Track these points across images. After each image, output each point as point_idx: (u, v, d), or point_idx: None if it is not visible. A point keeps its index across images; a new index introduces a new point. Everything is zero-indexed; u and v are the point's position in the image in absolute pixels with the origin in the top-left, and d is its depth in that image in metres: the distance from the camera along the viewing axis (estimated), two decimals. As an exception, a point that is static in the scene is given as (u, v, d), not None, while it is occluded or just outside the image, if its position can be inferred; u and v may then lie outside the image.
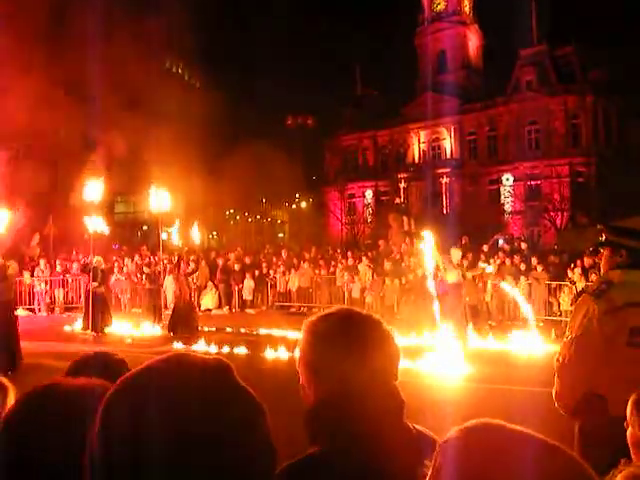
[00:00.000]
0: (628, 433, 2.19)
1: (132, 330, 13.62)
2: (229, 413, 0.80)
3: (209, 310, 17.47)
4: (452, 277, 10.63)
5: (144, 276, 15.00)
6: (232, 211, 47.73)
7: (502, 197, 42.53)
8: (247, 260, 19.37)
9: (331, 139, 48.78)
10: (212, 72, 37.99)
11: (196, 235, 17.52)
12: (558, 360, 2.93)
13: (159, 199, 15.11)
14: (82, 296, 15.57)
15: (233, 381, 0.85)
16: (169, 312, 13.95)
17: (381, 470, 1.21)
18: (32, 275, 18.24)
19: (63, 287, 18.59)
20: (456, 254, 11.10)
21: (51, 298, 18.35)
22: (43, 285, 18.30)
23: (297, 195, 50.42)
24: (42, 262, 18.66)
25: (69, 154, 28.23)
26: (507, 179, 42.37)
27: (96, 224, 14.53)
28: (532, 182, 40.63)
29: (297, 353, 1.38)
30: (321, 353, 1.31)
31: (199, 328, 13.24)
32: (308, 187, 48.14)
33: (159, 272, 15.27)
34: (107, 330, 13.43)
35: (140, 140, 26.58)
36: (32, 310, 17.82)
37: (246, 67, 32.48)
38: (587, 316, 2.87)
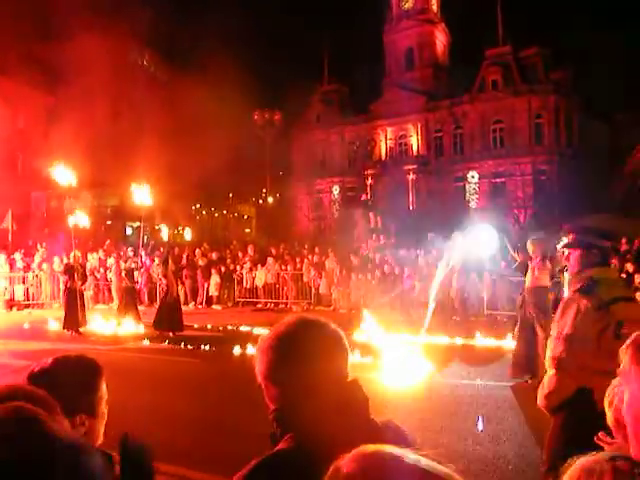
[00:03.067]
0: (608, 415, 2.26)
1: (112, 328, 13.26)
2: None
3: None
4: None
5: (123, 272, 14.62)
6: (198, 206, 47.23)
7: (467, 194, 43.16)
8: (213, 256, 19.22)
9: (298, 134, 48.69)
10: (177, 65, 37.47)
11: (164, 231, 17.41)
12: (551, 358, 3.01)
13: (141, 194, 14.80)
14: (61, 294, 15.28)
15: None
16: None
17: None
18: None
19: (23, 283, 18.15)
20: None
21: (11, 293, 17.91)
22: (2, 282, 17.83)
23: (264, 190, 50.20)
24: (1, 258, 18.16)
25: (29, 145, 27.58)
26: (472, 176, 43.01)
27: (77, 218, 14.27)
28: (496, 180, 41.37)
29: (258, 363, 1.39)
30: (284, 361, 1.35)
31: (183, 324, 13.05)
32: (275, 182, 47.96)
33: (136, 268, 15.03)
34: (83, 329, 13.08)
35: (105, 132, 26.11)
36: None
37: (212, 61, 32.09)
38: (579, 313, 2.95)
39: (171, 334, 12.35)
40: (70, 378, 1.71)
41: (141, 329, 13.20)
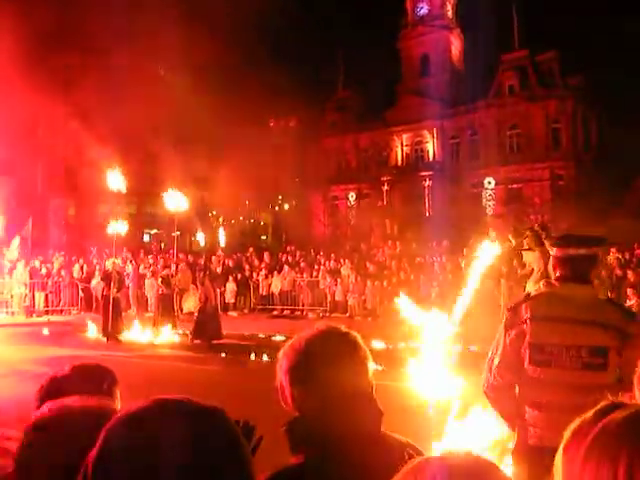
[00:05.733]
0: None
1: (149, 336, 13.18)
2: (219, 461, 0.83)
3: (191, 313, 17.37)
4: None
5: (160, 280, 14.57)
6: (214, 213, 47.49)
7: (483, 200, 42.90)
8: (230, 263, 19.32)
9: (313, 142, 48.79)
10: (193, 74, 37.88)
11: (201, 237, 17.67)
12: (484, 383, 2.72)
13: (175, 200, 14.87)
14: (97, 301, 15.23)
15: (230, 429, 0.88)
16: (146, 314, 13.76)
17: None
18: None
19: (43, 290, 18.39)
20: None
21: (32, 300, 18.15)
22: (23, 288, 18.08)
23: (280, 197, 50.32)
24: (21, 265, 18.42)
25: (50, 152, 28.00)
26: (489, 182, 42.75)
27: (117, 226, 14.32)
28: (513, 185, 41.07)
29: (279, 372, 1.41)
30: (306, 370, 1.36)
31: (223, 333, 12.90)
32: (291, 189, 48.07)
33: (172, 275, 14.95)
34: (121, 337, 13.04)
35: (123, 139, 26.42)
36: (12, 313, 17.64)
37: (227, 70, 32.38)
38: (501, 331, 2.67)
39: (211, 342, 12.21)
40: (86, 385, 1.75)
41: (177, 337, 13.19)
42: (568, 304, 2.56)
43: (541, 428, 2.40)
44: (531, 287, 6.19)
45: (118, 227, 14.45)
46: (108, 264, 13.82)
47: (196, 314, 13.18)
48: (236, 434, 0.88)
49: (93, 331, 13.71)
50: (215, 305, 13.44)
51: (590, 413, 0.77)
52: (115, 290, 13.19)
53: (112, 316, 12.84)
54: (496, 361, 2.63)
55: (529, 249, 6.61)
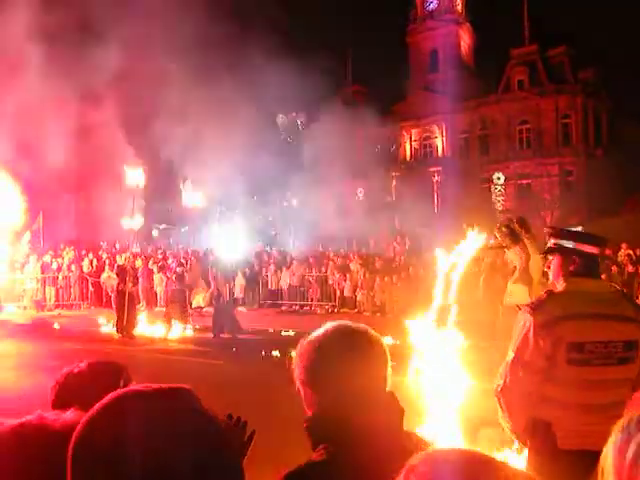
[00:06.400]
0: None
1: (162, 331, 13.13)
2: (197, 443, 0.83)
3: (200, 308, 17.44)
4: None
5: (174, 276, 14.51)
6: (224, 209, 47.57)
7: (493, 196, 42.72)
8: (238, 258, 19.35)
9: (321, 136, 48.65)
10: (202, 66, 37.87)
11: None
12: (498, 384, 2.60)
13: (191, 195, 14.80)
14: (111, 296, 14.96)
15: (199, 409, 0.88)
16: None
17: (381, 478, 1.24)
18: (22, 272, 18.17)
19: (54, 284, 18.50)
20: None
21: (43, 294, 18.28)
22: (34, 283, 18.20)
23: (288, 193, 50.31)
24: (33, 259, 18.54)
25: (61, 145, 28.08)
26: (498, 178, 42.55)
27: (133, 223, 14.28)
28: (523, 181, 40.87)
29: (296, 367, 1.41)
30: (323, 367, 1.35)
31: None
32: (299, 184, 48.02)
33: (187, 271, 14.90)
34: (135, 332, 12.95)
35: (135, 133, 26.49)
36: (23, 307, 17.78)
37: (235, 64, 32.35)
38: (523, 331, 2.55)
39: (236, 336, 12.27)
40: (99, 382, 1.77)
41: (190, 332, 13.20)
42: (595, 300, 2.54)
43: (576, 431, 2.33)
44: (511, 286, 6.10)
45: (133, 222, 14.42)
46: (120, 259, 13.74)
47: (209, 310, 13.18)
48: (202, 413, 0.87)
49: (104, 325, 13.79)
50: (229, 300, 13.45)
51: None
52: (131, 285, 13.10)
53: (127, 311, 12.75)
54: (519, 363, 2.53)
55: (504, 246, 6.31)
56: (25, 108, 18.12)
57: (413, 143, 47.14)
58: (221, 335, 12.49)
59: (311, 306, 17.89)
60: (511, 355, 2.57)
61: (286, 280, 18.38)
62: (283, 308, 18.14)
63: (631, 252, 15.60)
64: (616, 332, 2.49)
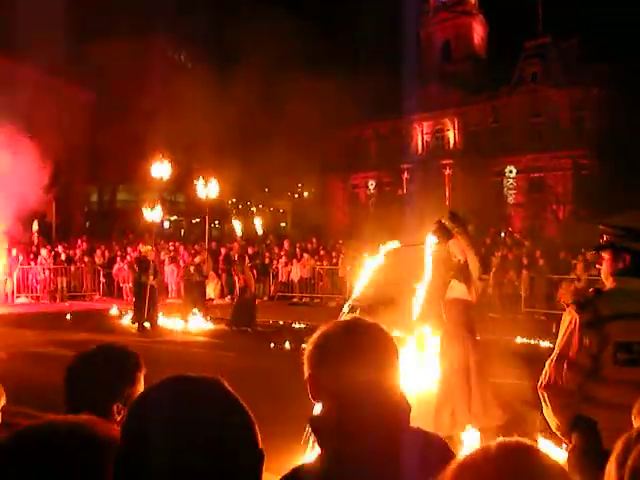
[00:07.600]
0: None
1: (178, 323, 13.12)
2: (228, 424, 0.95)
3: (211, 300, 17.54)
4: None
5: (192, 268, 14.46)
6: (234, 200, 47.63)
7: (505, 189, 42.44)
8: (249, 250, 19.39)
9: (333, 129, 48.55)
10: (214, 62, 37.87)
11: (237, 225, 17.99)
12: (542, 380, 2.60)
13: (207, 188, 14.80)
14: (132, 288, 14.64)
15: (230, 396, 1.00)
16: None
17: (387, 476, 1.24)
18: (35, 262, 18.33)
19: (66, 275, 18.66)
20: None
21: (55, 285, 18.43)
22: (47, 273, 18.37)
23: (299, 185, 50.28)
24: (44, 251, 18.70)
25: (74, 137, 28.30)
26: (510, 171, 42.27)
27: (154, 215, 14.31)
28: (535, 174, 40.54)
29: (305, 365, 1.40)
30: (330, 363, 1.34)
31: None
32: (311, 177, 47.97)
33: (204, 262, 14.87)
34: (149, 324, 12.81)
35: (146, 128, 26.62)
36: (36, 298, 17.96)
37: (247, 57, 32.41)
38: (569, 329, 2.55)
39: (249, 330, 12.32)
40: (110, 366, 1.78)
41: (207, 324, 13.23)
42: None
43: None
44: (453, 281, 6.05)
45: (154, 214, 14.42)
46: (143, 249, 13.63)
47: (219, 302, 13.21)
48: (232, 400, 0.99)
49: (118, 318, 13.88)
50: (254, 293, 13.46)
51: None
52: (152, 277, 12.81)
53: (148, 304, 12.59)
54: (563, 361, 2.53)
55: (439, 242, 6.23)
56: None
57: (425, 136, 46.91)
58: (239, 328, 12.52)
59: (321, 298, 17.91)
60: (556, 352, 2.58)
61: (297, 272, 18.41)
62: (294, 300, 18.18)
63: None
64: None
